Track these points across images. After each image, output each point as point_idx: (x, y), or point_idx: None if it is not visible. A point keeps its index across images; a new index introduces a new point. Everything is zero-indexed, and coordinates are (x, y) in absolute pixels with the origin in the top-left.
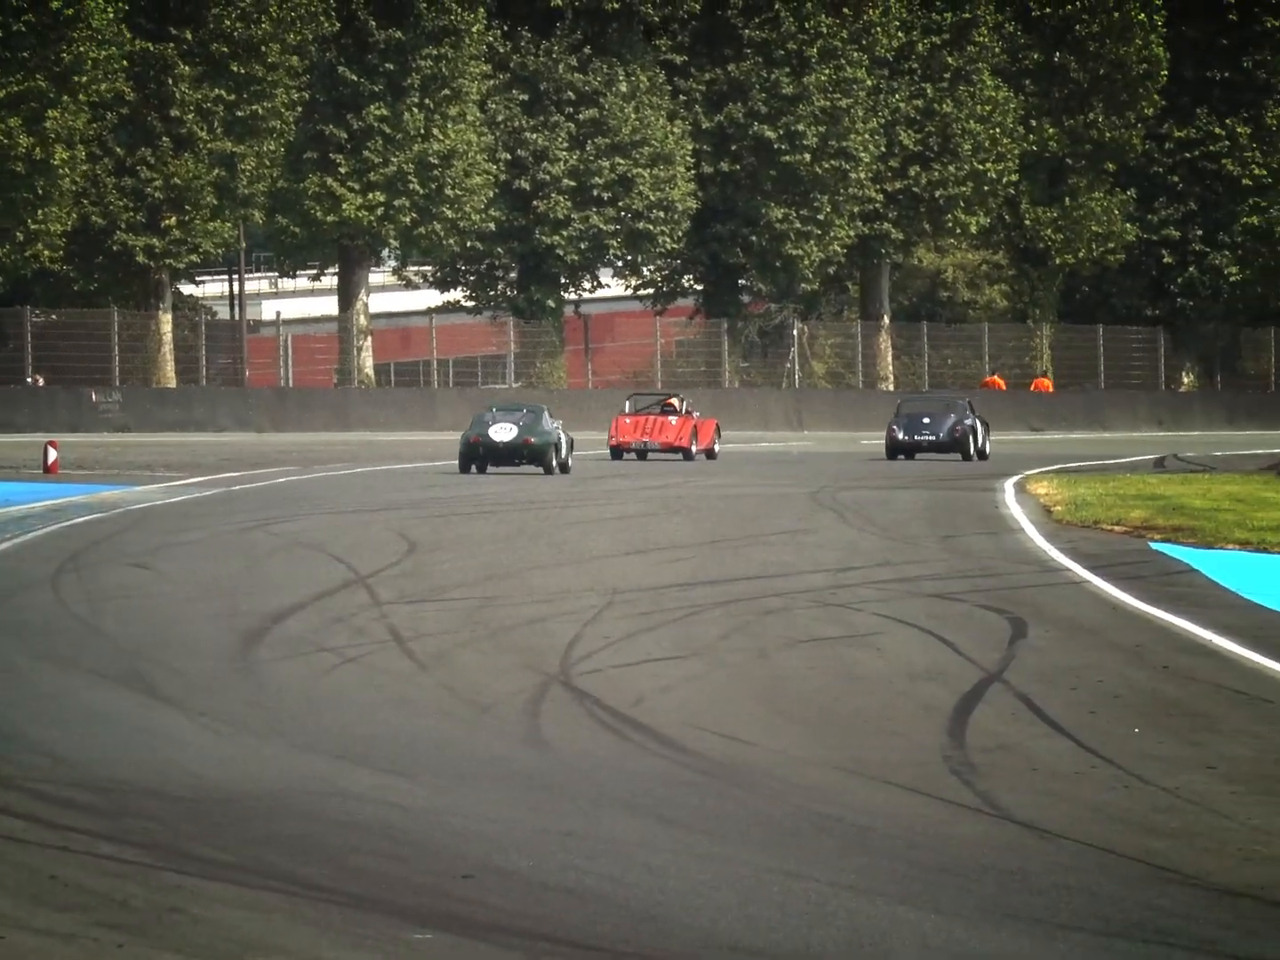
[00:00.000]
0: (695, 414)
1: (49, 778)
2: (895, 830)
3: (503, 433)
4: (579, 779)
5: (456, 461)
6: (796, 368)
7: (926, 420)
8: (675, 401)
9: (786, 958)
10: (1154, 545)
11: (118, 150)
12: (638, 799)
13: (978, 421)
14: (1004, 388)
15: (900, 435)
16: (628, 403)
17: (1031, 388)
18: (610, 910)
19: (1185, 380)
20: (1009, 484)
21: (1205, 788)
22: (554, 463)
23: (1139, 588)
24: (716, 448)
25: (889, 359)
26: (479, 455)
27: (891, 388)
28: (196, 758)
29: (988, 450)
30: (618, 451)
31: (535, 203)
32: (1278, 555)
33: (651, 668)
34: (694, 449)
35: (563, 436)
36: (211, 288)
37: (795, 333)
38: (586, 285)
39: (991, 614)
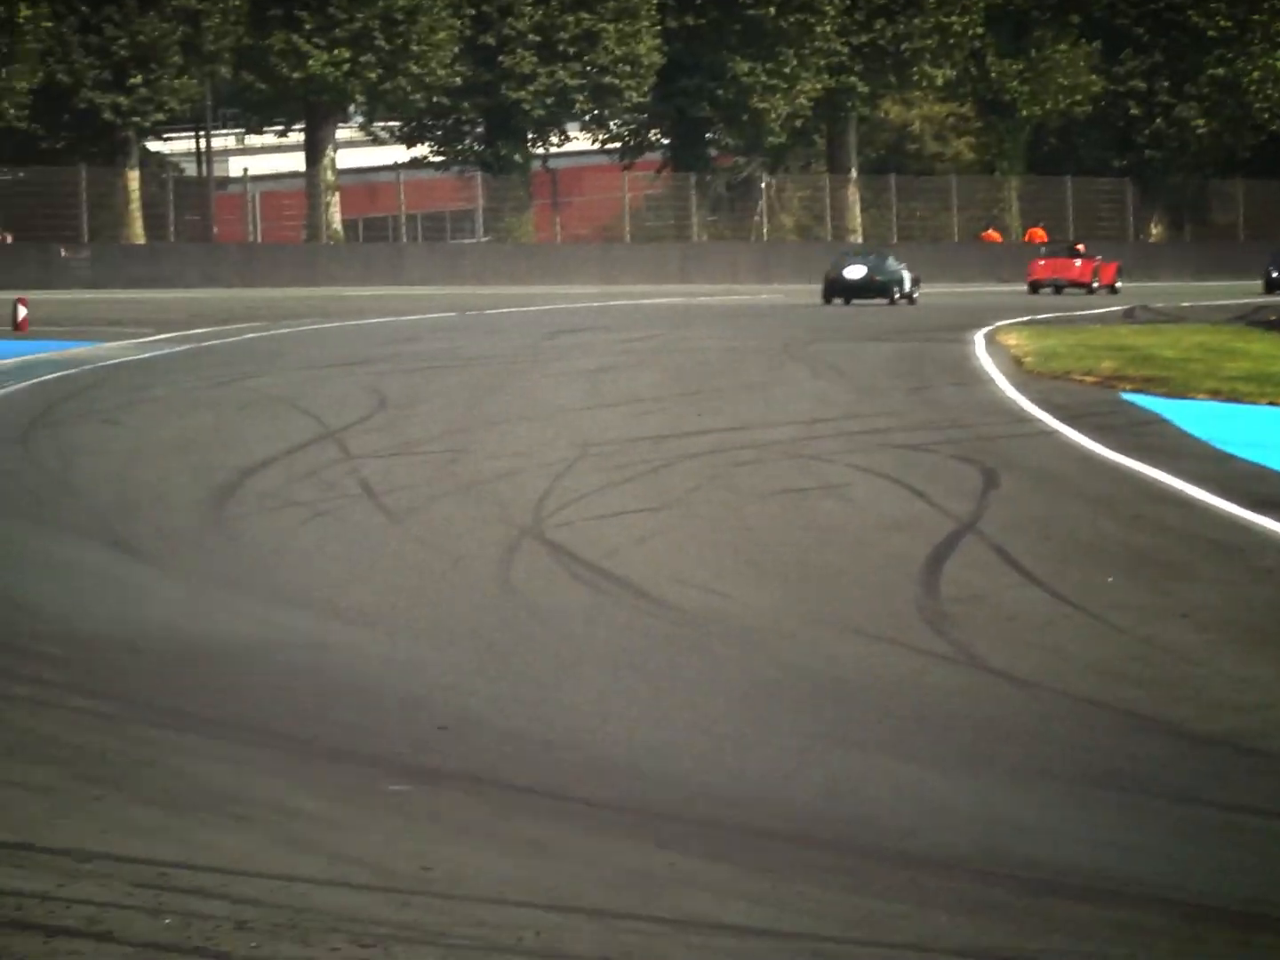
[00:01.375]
0: (1098, 258)
1: (22, 632)
2: (870, 681)
3: (854, 272)
4: (553, 632)
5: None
6: (765, 221)
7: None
8: (1081, 247)
9: (764, 808)
10: (1125, 396)
11: (83, 9)
12: (613, 651)
13: (905, 272)
14: (1000, 240)
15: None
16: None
17: (1025, 238)
18: (586, 762)
19: (1153, 232)
20: (979, 335)
21: (1178, 636)
22: (897, 295)
23: (1110, 438)
24: (1118, 285)
25: (857, 212)
26: (836, 290)
27: (860, 240)
28: (170, 612)
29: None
30: (1035, 286)
31: (501, 58)
32: (1248, 405)
33: (624, 520)
34: (1095, 285)
35: (906, 275)
36: (178, 144)
37: (763, 186)
38: (554, 140)
39: (963, 465)
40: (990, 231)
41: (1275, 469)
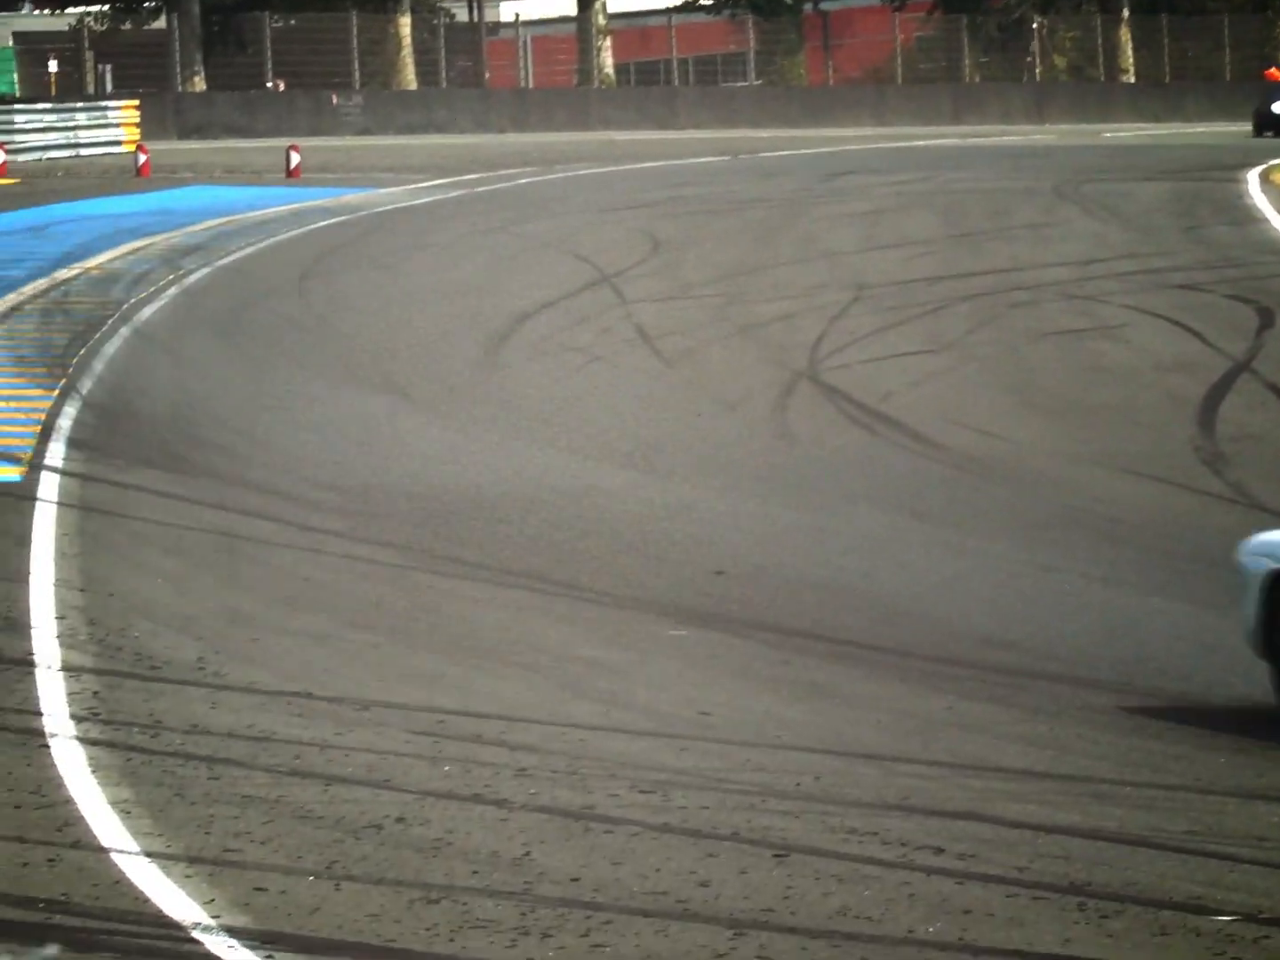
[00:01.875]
0: None
1: (300, 480)
2: (1145, 521)
3: None
4: (828, 475)
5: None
6: (1037, 62)
7: None
8: None
9: (1038, 649)
10: None
11: None
12: (888, 494)
13: None
14: None
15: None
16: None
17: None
18: (860, 604)
19: None
20: (1253, 174)
21: None
22: None
23: None
24: None
25: (1129, 52)
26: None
27: (1132, 80)
28: (446, 460)
29: None
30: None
31: None
32: None
33: (899, 363)
34: None
35: None
36: None
37: (1034, 27)
38: None
39: (1239, 304)
40: (1273, 70)
41: None
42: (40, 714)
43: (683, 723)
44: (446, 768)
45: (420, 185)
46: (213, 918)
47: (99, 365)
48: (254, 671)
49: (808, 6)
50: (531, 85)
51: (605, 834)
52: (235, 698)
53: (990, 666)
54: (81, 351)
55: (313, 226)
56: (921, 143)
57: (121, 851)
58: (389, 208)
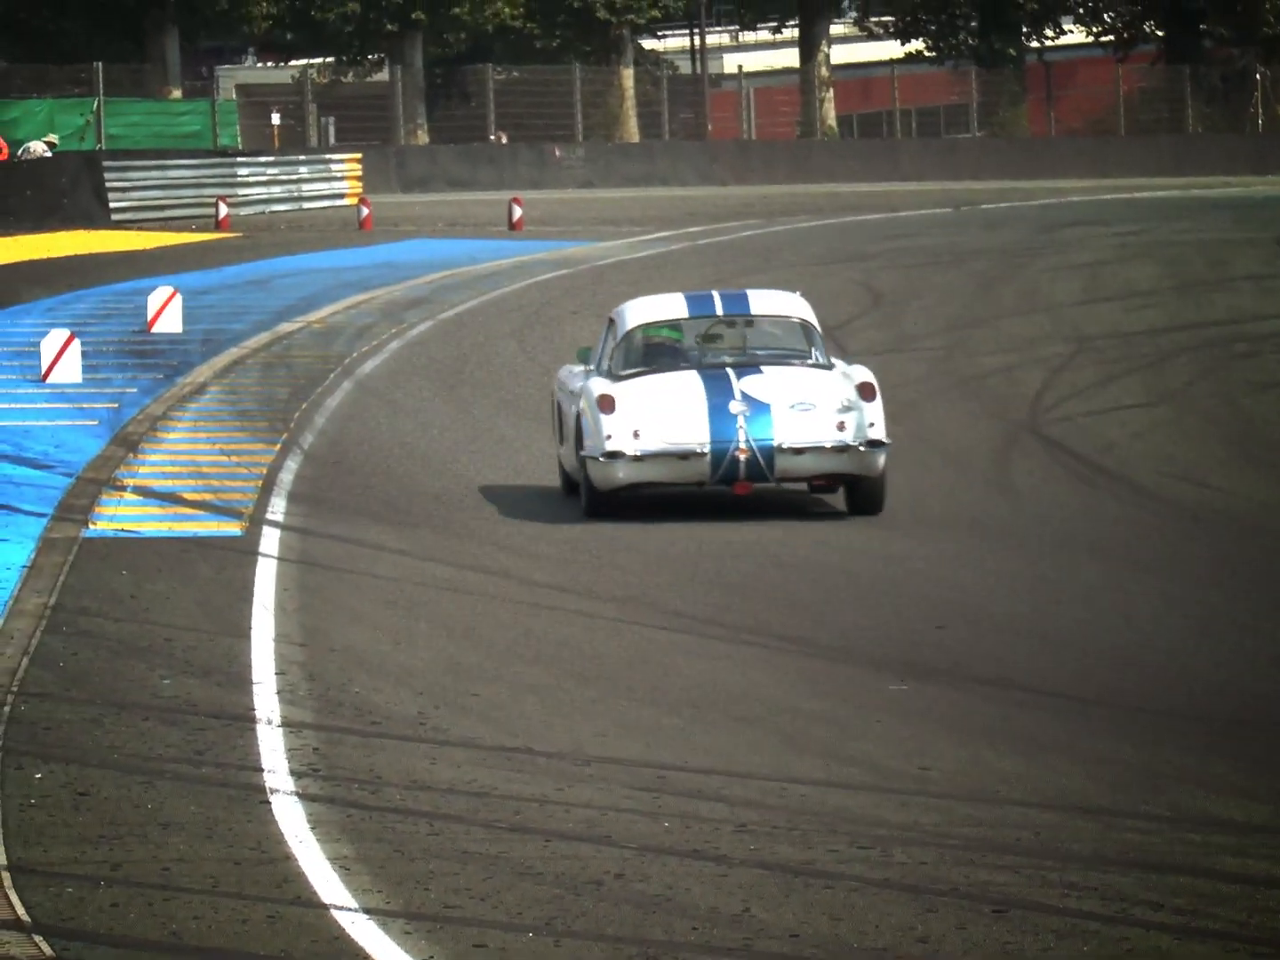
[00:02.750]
0: None
1: (520, 533)
2: None
3: None
4: (1049, 526)
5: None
6: (1260, 112)
7: None
8: None
9: (1259, 702)
10: None
11: None
12: (1109, 545)
13: None
14: None
15: None
16: None
17: None
18: (1080, 656)
19: None
20: None
21: None
22: None
23: None
24: None
25: None
26: None
27: None
28: (666, 512)
29: None
30: None
31: None
32: None
33: (1121, 415)
34: None
35: None
36: (672, 42)
37: (1258, 77)
38: (1048, 33)
39: None
40: None
41: None
42: (261, 770)
43: (902, 777)
44: (666, 823)
45: (642, 238)
46: None
47: (320, 419)
48: (474, 726)
49: (1031, 57)
50: (754, 137)
51: (825, 889)
52: (455, 752)
53: (1210, 718)
54: (303, 405)
55: (535, 279)
56: (1144, 194)
57: (341, 908)
58: (611, 260)
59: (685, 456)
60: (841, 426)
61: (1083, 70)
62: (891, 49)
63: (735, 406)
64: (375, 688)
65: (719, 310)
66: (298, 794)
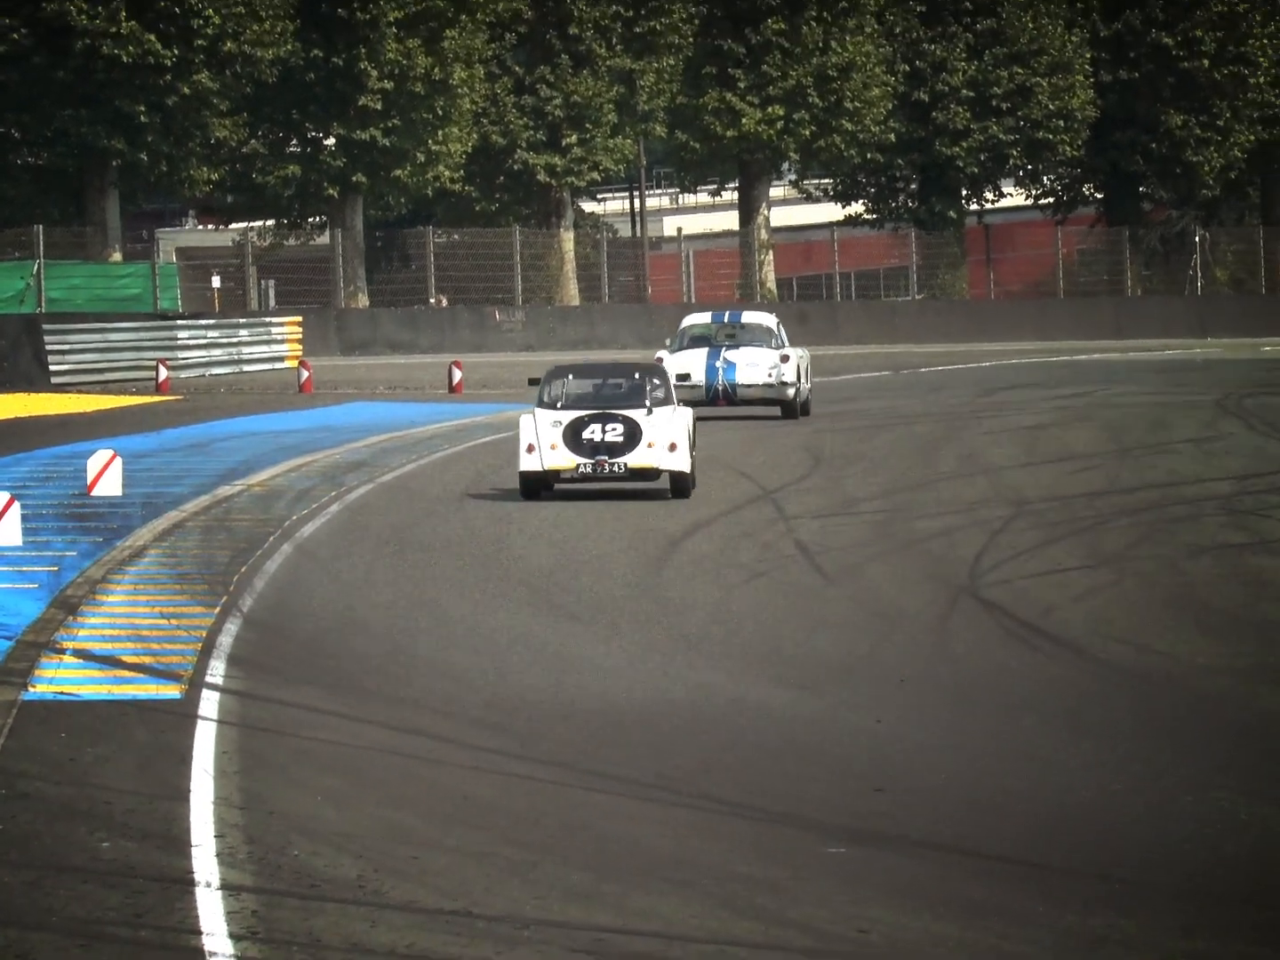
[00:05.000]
0: None
1: (460, 698)
2: None
3: None
4: (989, 690)
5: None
6: (1199, 275)
7: None
8: None
9: (1197, 868)
10: None
11: (517, 69)
12: (1049, 709)
13: None
14: None
15: None
16: None
17: None
18: (1020, 819)
19: None
20: None
21: None
22: None
23: None
24: None
25: None
26: None
27: None
28: (606, 677)
29: None
30: None
31: (934, 113)
32: None
33: (1060, 578)
34: None
35: None
36: (612, 205)
37: (1197, 239)
38: (987, 195)
39: None
40: None
41: None
42: (200, 933)
43: (841, 940)
44: None
45: None
46: None
47: (260, 582)
48: (413, 889)
49: (971, 220)
50: (694, 299)
51: None
52: (395, 916)
53: (1151, 884)
54: (243, 569)
55: (475, 443)
56: (1083, 356)
57: None
58: None
59: (694, 387)
60: (770, 374)
61: (1022, 233)
62: (831, 211)
63: (719, 364)
64: (314, 851)
65: (726, 320)
66: (237, 957)
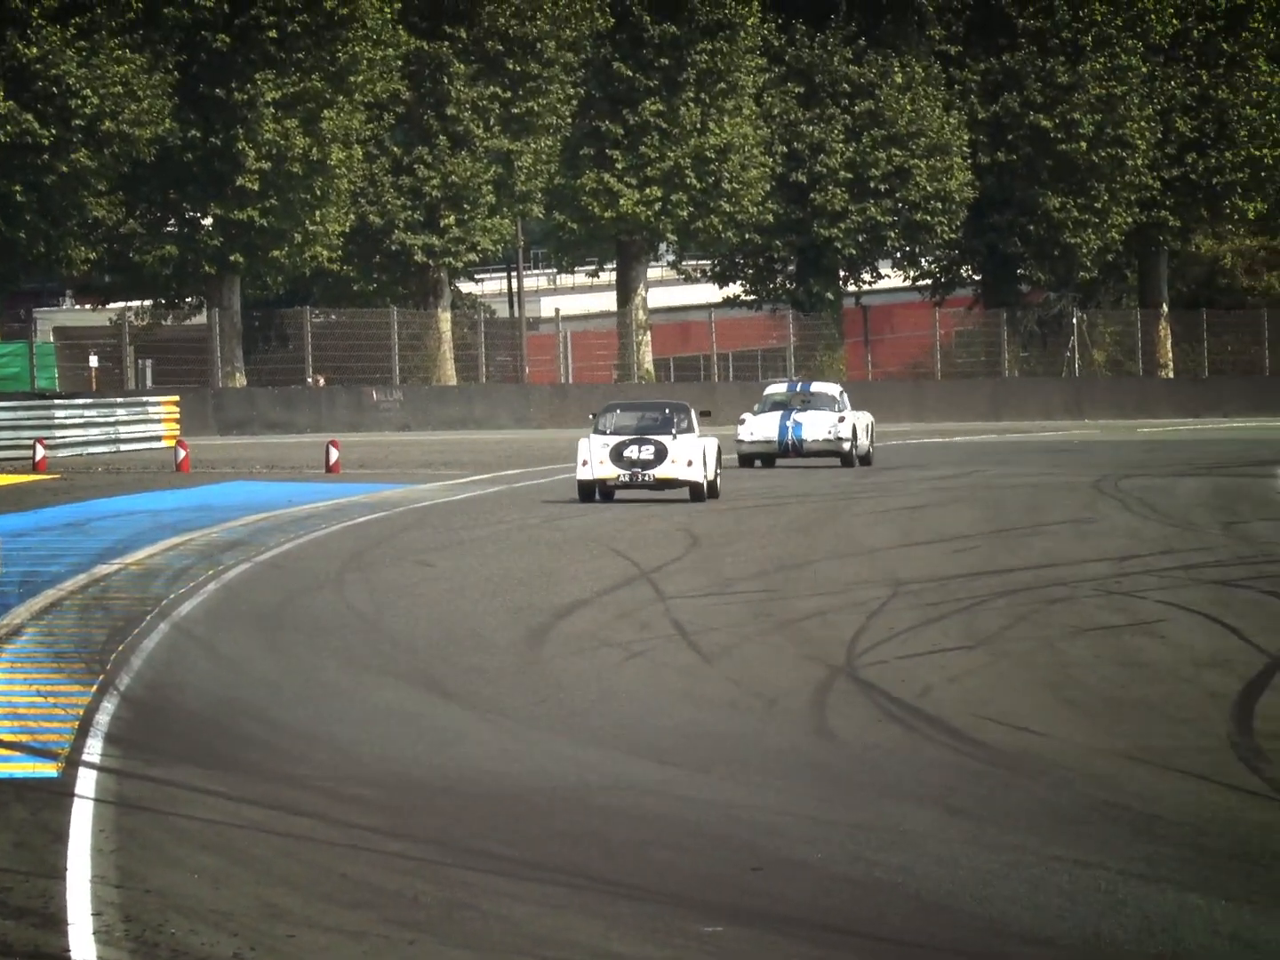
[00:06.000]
0: None
1: (338, 776)
2: (1183, 817)
3: None
4: (867, 770)
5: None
6: (1076, 356)
7: None
8: None
9: (1076, 947)
10: None
11: (394, 150)
12: (926, 789)
13: None
14: None
15: None
16: None
17: None
18: (899, 901)
19: None
20: None
21: None
22: None
23: None
24: None
25: (1169, 346)
26: None
27: (1171, 375)
28: (485, 754)
29: None
30: None
31: (812, 195)
32: None
33: (937, 658)
34: None
35: None
36: (490, 285)
37: (1075, 321)
38: (865, 277)
39: (1277, 600)
40: None
41: None
42: None
43: None
44: None
45: (460, 481)
46: None
47: (137, 661)
48: None
49: (848, 302)
50: (571, 380)
51: None
52: None
53: None
54: (120, 647)
55: (352, 522)
56: (961, 438)
57: None
58: (429, 503)
59: (768, 442)
60: (829, 432)
61: (900, 314)
62: (709, 293)
63: (789, 424)
64: (191, 929)
65: (799, 389)
66: None
